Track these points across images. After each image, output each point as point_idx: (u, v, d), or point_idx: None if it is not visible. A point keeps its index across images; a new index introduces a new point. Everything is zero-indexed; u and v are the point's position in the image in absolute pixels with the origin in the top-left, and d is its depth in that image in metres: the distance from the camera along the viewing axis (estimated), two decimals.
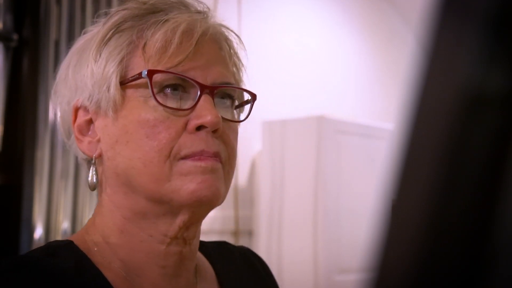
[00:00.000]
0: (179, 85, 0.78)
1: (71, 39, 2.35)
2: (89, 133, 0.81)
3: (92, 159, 0.81)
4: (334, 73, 3.66)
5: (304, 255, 2.77)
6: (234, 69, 0.84)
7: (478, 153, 0.26)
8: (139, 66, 0.78)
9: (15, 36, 2.20)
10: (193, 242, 0.83)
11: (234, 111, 0.85)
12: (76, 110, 0.82)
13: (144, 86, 0.77)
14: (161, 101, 0.76)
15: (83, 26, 2.39)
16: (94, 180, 0.81)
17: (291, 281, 2.75)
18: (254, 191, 3.03)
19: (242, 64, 0.87)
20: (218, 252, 0.95)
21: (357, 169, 2.92)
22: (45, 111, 2.25)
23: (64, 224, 2.29)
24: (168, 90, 0.77)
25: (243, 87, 0.86)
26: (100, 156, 0.80)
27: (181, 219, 0.78)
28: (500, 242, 0.26)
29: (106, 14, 0.84)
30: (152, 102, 0.76)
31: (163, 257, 0.80)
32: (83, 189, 2.31)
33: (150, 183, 0.76)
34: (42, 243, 2.26)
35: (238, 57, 0.86)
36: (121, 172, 0.78)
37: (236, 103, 0.85)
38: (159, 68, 0.76)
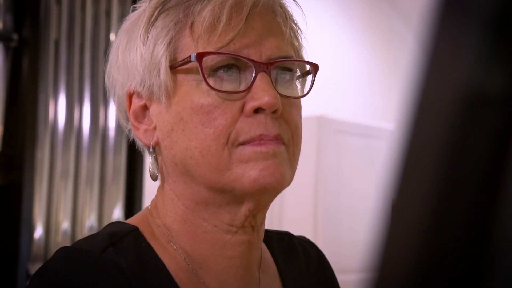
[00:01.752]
0: (233, 65, 0.72)
1: (71, 39, 2.35)
2: (145, 120, 0.77)
3: (150, 148, 0.77)
4: (334, 73, 3.66)
5: None
6: (292, 37, 0.78)
7: (478, 153, 0.26)
8: (189, 47, 0.73)
9: (15, 36, 2.20)
10: (261, 228, 0.79)
11: (297, 82, 0.79)
12: (130, 96, 0.77)
13: (195, 69, 0.72)
14: (213, 85, 0.71)
15: (83, 26, 2.39)
16: (155, 171, 0.77)
17: None
18: None
19: (301, 30, 0.80)
20: (281, 244, 0.90)
21: (357, 169, 2.91)
22: (45, 111, 2.26)
23: (64, 224, 2.29)
24: (222, 72, 0.72)
25: (304, 55, 0.80)
26: (157, 144, 0.76)
27: (246, 207, 0.74)
28: (500, 242, 0.26)
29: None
30: (205, 86, 0.71)
31: (230, 248, 0.76)
32: (83, 189, 2.31)
33: (210, 173, 0.72)
34: (42, 243, 2.27)
35: (295, 23, 0.80)
36: (179, 161, 0.74)
37: (298, 73, 0.79)
38: (209, 48, 0.71)
